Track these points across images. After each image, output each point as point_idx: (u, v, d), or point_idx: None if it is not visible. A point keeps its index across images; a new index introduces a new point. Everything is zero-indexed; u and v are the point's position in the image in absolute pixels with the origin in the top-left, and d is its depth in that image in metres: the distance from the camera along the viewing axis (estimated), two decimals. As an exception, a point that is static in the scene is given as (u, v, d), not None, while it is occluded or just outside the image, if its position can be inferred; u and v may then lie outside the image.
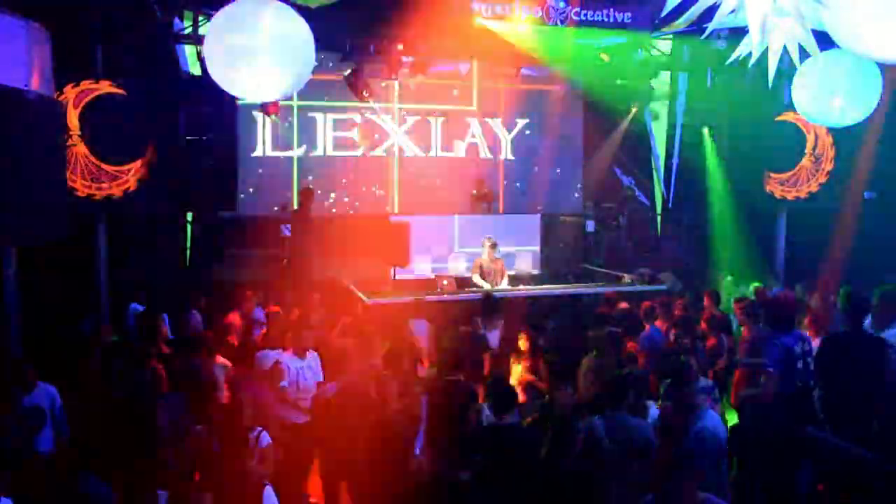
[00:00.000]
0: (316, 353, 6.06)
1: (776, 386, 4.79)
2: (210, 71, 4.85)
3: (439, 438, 4.73)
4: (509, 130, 13.38)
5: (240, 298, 8.05)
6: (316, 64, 5.43)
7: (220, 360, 6.03)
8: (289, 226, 10.18)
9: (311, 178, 11.24)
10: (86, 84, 7.86)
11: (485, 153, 13.05)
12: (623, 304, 7.69)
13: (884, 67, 5.55)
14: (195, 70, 9.25)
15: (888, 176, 10.10)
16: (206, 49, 4.86)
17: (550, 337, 6.96)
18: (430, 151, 12.79)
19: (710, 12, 4.14)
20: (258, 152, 11.08)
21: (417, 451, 4.85)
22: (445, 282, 9.37)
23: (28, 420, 4.73)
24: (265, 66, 4.68)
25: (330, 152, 11.61)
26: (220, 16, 4.73)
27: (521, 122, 13.22)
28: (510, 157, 13.27)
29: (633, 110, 11.74)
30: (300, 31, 4.84)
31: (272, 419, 5.04)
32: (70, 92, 7.76)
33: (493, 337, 7.19)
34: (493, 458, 4.17)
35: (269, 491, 3.82)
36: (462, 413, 4.69)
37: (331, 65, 10.02)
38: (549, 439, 4.13)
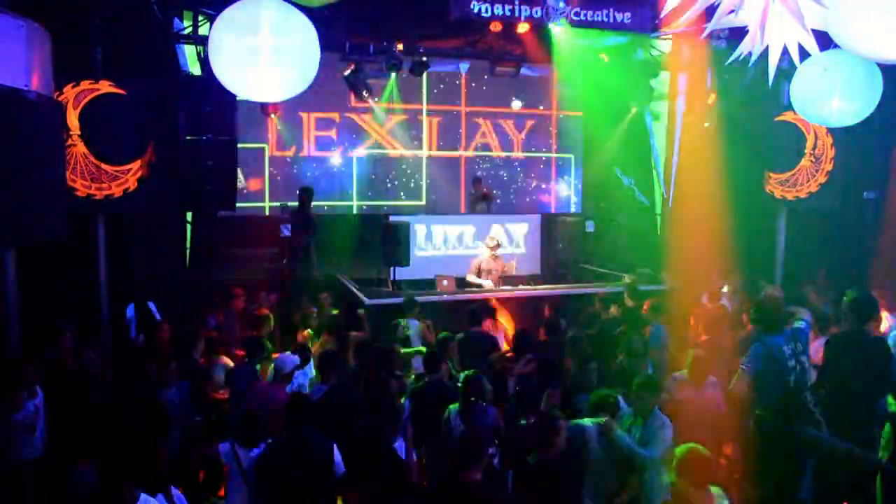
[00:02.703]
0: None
1: (743, 386, 4.75)
2: (214, 71, 4.84)
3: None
4: (519, 131, 13.45)
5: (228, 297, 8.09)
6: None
7: (224, 359, 6.07)
8: (289, 225, 10.18)
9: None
10: (86, 84, 7.85)
11: (484, 153, 13.09)
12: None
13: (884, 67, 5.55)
14: (195, 70, 9.25)
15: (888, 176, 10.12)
16: (210, 49, 4.85)
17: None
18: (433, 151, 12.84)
19: (710, 12, 4.14)
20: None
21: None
22: (445, 282, 9.36)
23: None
24: (270, 66, 4.67)
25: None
26: (224, 16, 4.72)
27: (529, 123, 13.32)
28: (519, 155, 13.36)
29: (633, 110, 11.74)
30: (305, 32, 4.83)
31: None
32: (70, 92, 7.76)
33: (499, 338, 7.18)
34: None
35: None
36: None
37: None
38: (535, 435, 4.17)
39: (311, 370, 6.01)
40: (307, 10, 5.05)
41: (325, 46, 4.99)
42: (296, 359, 5.58)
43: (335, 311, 7.88)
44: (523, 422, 4.70)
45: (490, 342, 6.60)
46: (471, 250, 10.50)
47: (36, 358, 5.67)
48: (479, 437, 4.02)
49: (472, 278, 9.23)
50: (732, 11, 4.00)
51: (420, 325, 7.12)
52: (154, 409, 4.93)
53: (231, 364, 6.04)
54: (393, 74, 9.91)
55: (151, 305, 7.83)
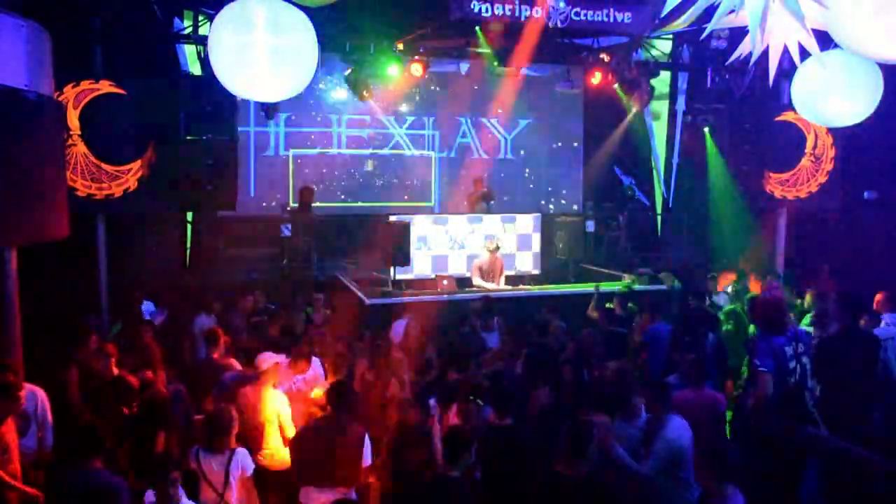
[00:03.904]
0: (317, 358, 6.05)
1: (768, 386, 4.73)
2: (215, 71, 4.84)
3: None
4: (509, 131, 13.41)
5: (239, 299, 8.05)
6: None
7: (234, 363, 6.02)
8: (289, 225, 10.16)
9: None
10: (86, 84, 7.86)
11: (483, 153, 13.09)
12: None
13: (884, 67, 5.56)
14: (195, 70, 9.26)
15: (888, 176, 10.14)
16: (211, 49, 4.85)
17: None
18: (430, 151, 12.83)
19: (710, 12, 4.14)
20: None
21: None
22: (445, 282, 9.35)
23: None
24: (268, 66, 4.68)
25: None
26: (223, 15, 4.73)
27: (522, 123, 13.29)
28: (509, 156, 13.33)
29: (634, 110, 11.73)
30: (304, 31, 4.83)
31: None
32: (70, 92, 7.77)
33: (492, 338, 7.16)
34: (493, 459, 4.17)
35: None
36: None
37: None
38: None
39: (313, 373, 5.94)
40: (307, 10, 5.06)
41: (325, 46, 5.00)
42: (273, 356, 5.46)
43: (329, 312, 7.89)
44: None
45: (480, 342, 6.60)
46: (473, 250, 10.47)
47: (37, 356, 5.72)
48: (465, 435, 3.97)
49: (477, 280, 9.24)
50: (732, 11, 4.01)
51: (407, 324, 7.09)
52: (153, 403, 4.91)
53: (238, 367, 5.99)
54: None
55: (149, 305, 7.82)
